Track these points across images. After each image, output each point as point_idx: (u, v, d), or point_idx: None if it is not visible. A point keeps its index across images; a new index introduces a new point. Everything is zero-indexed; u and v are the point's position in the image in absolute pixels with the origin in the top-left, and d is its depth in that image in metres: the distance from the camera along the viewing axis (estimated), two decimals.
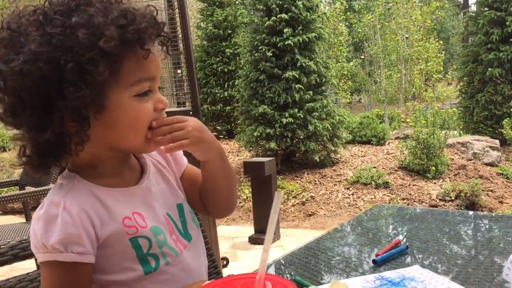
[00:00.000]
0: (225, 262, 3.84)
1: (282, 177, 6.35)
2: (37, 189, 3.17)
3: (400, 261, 1.18)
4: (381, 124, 8.03)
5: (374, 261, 1.16)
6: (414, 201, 5.58)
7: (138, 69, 0.83)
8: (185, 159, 1.08)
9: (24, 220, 3.71)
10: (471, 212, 1.69)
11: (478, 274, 1.09)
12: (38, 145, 0.81)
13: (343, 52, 12.97)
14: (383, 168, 6.35)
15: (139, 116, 0.85)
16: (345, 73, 12.86)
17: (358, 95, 16.89)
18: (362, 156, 7.00)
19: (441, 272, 1.09)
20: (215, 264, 1.59)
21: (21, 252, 1.11)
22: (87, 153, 0.86)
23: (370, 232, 1.45)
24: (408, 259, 1.19)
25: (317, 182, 6.19)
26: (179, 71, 3.98)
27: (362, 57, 14.39)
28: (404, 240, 1.35)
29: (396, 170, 6.32)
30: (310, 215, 5.47)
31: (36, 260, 2.65)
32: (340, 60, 12.64)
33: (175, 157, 1.06)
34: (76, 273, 0.83)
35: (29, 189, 3.35)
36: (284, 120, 6.28)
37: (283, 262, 1.25)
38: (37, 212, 0.85)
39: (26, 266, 1.36)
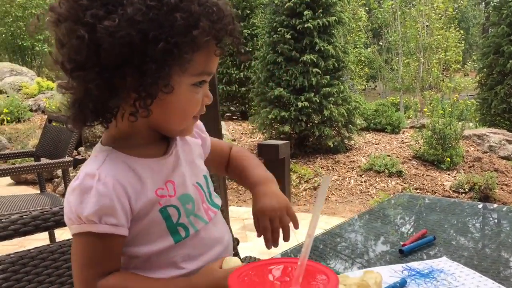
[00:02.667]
0: (235, 243, 3.85)
1: (294, 161, 6.32)
2: (53, 161, 3.17)
3: (427, 252, 1.15)
4: (396, 112, 7.93)
5: (400, 250, 1.13)
6: (427, 192, 5.53)
7: (206, 62, 0.85)
8: (209, 141, 1.10)
9: (38, 191, 3.74)
10: (495, 205, 1.65)
11: (509, 269, 1.06)
12: (93, 103, 0.79)
13: (361, 37, 12.79)
14: (397, 157, 6.29)
15: (190, 104, 0.87)
16: (362, 59, 12.69)
17: (373, 82, 16.69)
18: (376, 144, 6.94)
19: (470, 265, 1.06)
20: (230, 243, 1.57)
21: (43, 223, 1.10)
22: (128, 125, 0.86)
23: (394, 221, 1.42)
24: (436, 250, 1.16)
25: (330, 168, 6.15)
26: None
27: (380, 43, 14.18)
28: (431, 231, 1.32)
29: (410, 160, 6.26)
30: None
31: (49, 233, 2.66)
32: (358, 46, 12.46)
33: (203, 139, 1.07)
34: (108, 245, 0.83)
35: (44, 160, 3.35)
36: (300, 104, 6.22)
37: (299, 248, 1.23)
38: (71, 183, 0.84)
39: (39, 237, 1.36)
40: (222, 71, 8.91)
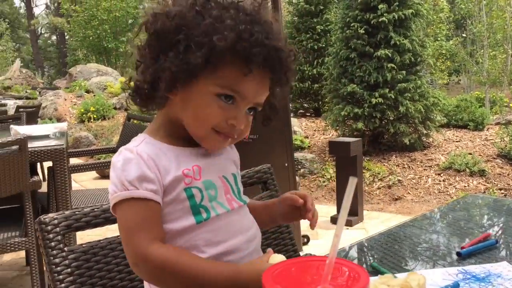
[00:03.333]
0: (305, 240, 3.86)
1: (368, 158, 6.19)
2: None
3: (487, 256, 1.10)
4: (480, 108, 7.50)
5: (458, 253, 1.10)
6: None
7: (234, 78, 0.89)
8: None
9: None
10: None
11: None
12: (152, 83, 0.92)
13: (443, 30, 12.19)
14: (480, 155, 5.96)
15: (207, 112, 0.91)
16: (443, 52, 12.10)
17: (457, 76, 15.87)
18: (456, 141, 6.61)
19: None
20: (293, 242, 1.60)
21: (112, 216, 1.19)
22: (165, 119, 0.99)
23: (459, 223, 1.37)
24: (497, 255, 1.11)
25: (406, 166, 5.96)
26: None
27: (464, 35, 13.45)
28: (495, 234, 1.26)
29: (494, 158, 5.91)
30: (396, 199, 5.30)
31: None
32: (439, 39, 11.90)
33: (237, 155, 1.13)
34: (150, 210, 0.90)
35: None
36: (374, 100, 6.08)
37: (364, 246, 1.23)
38: (114, 158, 0.94)
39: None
40: (294, 68, 8.88)
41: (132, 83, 0.96)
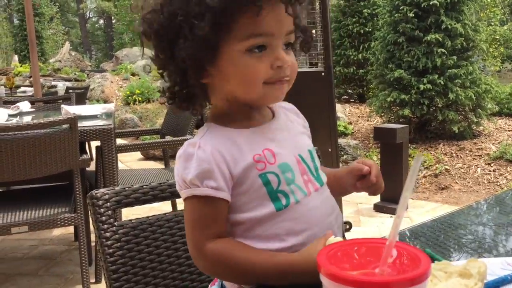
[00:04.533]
0: (347, 226, 3.81)
1: (414, 146, 6.03)
2: (176, 138, 3.42)
3: None
4: None
5: None
6: None
7: (251, 24, 0.82)
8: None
9: (163, 167, 4.05)
10: None
11: None
12: (172, 87, 0.91)
13: (497, 14, 11.64)
14: None
15: (249, 71, 0.86)
16: (497, 37, 11.57)
17: (510, 63, 15.16)
18: (509, 131, 6.33)
19: None
20: (344, 223, 1.57)
21: (160, 193, 1.20)
22: (220, 102, 0.94)
23: None
24: None
25: (454, 155, 5.77)
26: (313, 31, 3.91)
27: None
28: None
29: None
30: (442, 189, 5.15)
31: (171, 202, 2.89)
32: (493, 23, 11.38)
33: (302, 123, 1.08)
34: (212, 208, 0.88)
35: (168, 138, 3.63)
36: (422, 87, 5.89)
37: (415, 232, 1.18)
38: (178, 153, 0.92)
39: (163, 208, 1.47)
40: (339, 52, 8.75)
41: (167, 93, 0.94)
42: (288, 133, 0.98)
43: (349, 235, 3.73)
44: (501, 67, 13.51)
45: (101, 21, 37.77)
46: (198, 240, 0.88)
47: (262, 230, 0.91)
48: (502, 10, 12.49)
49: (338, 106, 7.65)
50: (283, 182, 0.91)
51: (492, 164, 5.46)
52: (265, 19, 0.82)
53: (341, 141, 6.01)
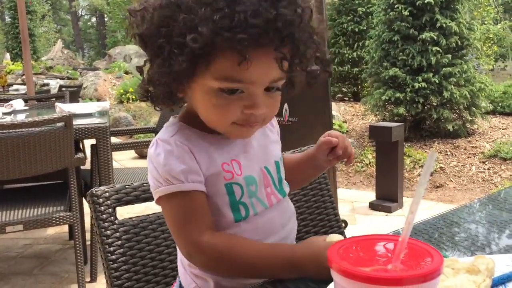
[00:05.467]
0: (343, 225, 3.80)
1: (409, 144, 6.05)
2: None
3: None
4: None
5: None
6: None
7: (230, 69, 0.77)
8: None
9: None
10: None
11: None
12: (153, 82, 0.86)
13: (490, 13, 11.70)
14: None
15: (218, 111, 0.83)
16: (491, 36, 11.63)
17: (503, 62, 15.25)
18: (503, 129, 6.37)
19: None
20: (338, 224, 1.57)
21: None
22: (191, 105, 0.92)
23: None
24: None
25: (448, 153, 5.79)
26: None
27: None
28: None
29: None
30: (437, 187, 5.17)
31: None
32: (486, 22, 11.43)
33: (277, 129, 1.08)
34: (198, 201, 0.87)
35: None
36: (416, 85, 5.91)
37: (418, 229, 1.18)
38: (152, 151, 0.90)
39: (158, 208, 1.45)
40: (334, 51, 8.75)
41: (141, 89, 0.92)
42: (258, 143, 0.98)
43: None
44: (494, 65, 13.59)
45: (94, 19, 37.57)
46: (192, 236, 0.86)
47: None
48: (496, 9, 12.56)
49: (333, 105, 7.65)
50: (245, 195, 0.91)
51: (486, 162, 5.49)
52: (247, 68, 0.76)
53: None
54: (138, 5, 0.85)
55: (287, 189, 1.04)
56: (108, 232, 1.05)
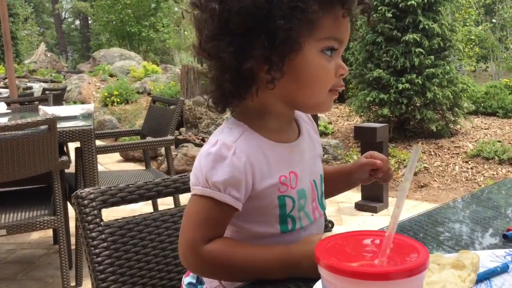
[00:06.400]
0: (330, 225, 3.83)
1: (393, 145, 6.10)
2: (156, 139, 3.38)
3: None
4: (510, 95, 7.30)
5: (504, 235, 1.06)
6: None
7: (333, 26, 0.83)
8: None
9: (144, 168, 4.01)
10: None
11: None
12: (228, 75, 0.84)
13: (472, 14, 11.87)
14: (509, 143, 5.81)
15: (322, 72, 0.85)
16: (472, 38, 11.80)
17: (484, 63, 15.48)
18: (485, 129, 6.46)
19: None
20: (326, 224, 1.57)
21: (146, 192, 1.18)
22: (259, 102, 0.89)
23: (500, 206, 1.32)
24: None
25: (432, 153, 5.85)
26: None
27: (494, 20, 13.07)
28: None
29: None
30: (422, 187, 5.22)
31: (153, 203, 2.84)
32: (468, 24, 11.60)
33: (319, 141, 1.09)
34: (223, 213, 0.86)
35: (149, 139, 3.59)
36: (400, 86, 5.96)
37: (403, 227, 1.19)
38: (207, 148, 0.87)
39: (144, 210, 1.44)
40: None
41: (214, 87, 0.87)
42: (309, 154, 0.98)
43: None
44: (476, 66, 13.78)
45: (77, 22, 37.23)
46: (196, 239, 0.85)
47: (256, 242, 0.90)
48: (477, 11, 12.74)
49: None
50: (296, 208, 0.91)
51: (469, 162, 5.56)
52: (342, 25, 0.84)
53: (322, 140, 6.04)
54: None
55: (325, 204, 1.04)
56: (94, 234, 1.04)
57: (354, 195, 4.79)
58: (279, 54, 0.81)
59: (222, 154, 0.84)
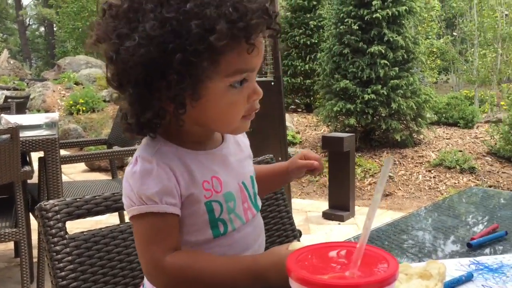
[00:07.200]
0: (298, 235, 3.85)
1: (360, 154, 6.20)
2: (123, 148, 3.32)
3: (498, 247, 1.09)
4: (470, 106, 7.56)
5: (468, 244, 1.09)
6: (502, 189, 5.24)
7: (239, 60, 0.82)
8: None
9: (110, 178, 3.93)
10: None
11: None
12: (137, 116, 0.85)
13: (434, 28, 12.26)
14: (470, 153, 6.00)
15: (230, 107, 0.86)
16: (434, 50, 12.17)
17: (445, 75, 15.98)
18: (447, 139, 6.65)
19: None
20: (294, 234, 1.58)
21: (113, 204, 1.16)
22: (175, 123, 0.88)
23: (464, 215, 1.35)
24: (507, 246, 1.10)
25: (397, 162, 5.98)
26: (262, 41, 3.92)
27: (454, 34, 13.53)
28: (504, 225, 1.25)
29: (484, 156, 5.96)
30: (387, 195, 5.32)
31: (119, 214, 2.77)
32: (430, 37, 11.96)
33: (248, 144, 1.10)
34: (169, 222, 0.87)
35: (116, 148, 3.52)
36: (366, 96, 6.08)
37: (370, 237, 1.21)
38: (130, 168, 0.88)
39: (110, 221, 1.41)
40: (287, 63, 8.88)
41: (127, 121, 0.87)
42: (235, 158, 0.99)
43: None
44: (437, 78, 14.21)
45: (42, 29, 36.41)
46: (155, 256, 0.85)
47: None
48: (439, 25, 13.16)
49: (286, 116, 7.73)
50: (225, 211, 0.92)
51: (432, 171, 5.71)
52: (249, 56, 0.82)
53: (290, 150, 6.08)
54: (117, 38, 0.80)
55: (260, 203, 1.05)
56: (58, 248, 1.01)
57: (321, 204, 4.84)
58: (180, 97, 0.81)
59: (147, 168, 0.85)
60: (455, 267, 0.96)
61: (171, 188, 0.86)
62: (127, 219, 1.24)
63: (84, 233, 1.09)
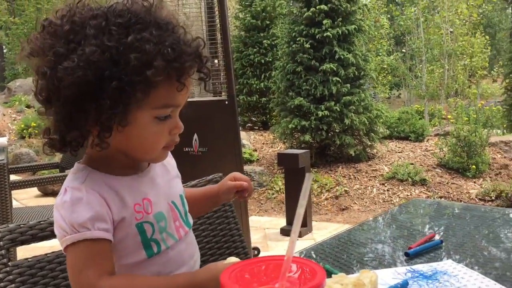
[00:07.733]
0: (256, 252, 3.86)
1: (316, 170, 6.31)
2: None
3: (434, 255, 1.15)
4: (420, 120, 7.84)
5: (406, 253, 1.14)
6: (452, 200, 5.45)
7: (168, 96, 0.87)
8: None
9: None
10: (511, 210, 1.63)
11: None
12: (62, 134, 0.86)
13: (384, 45, 12.70)
14: (421, 165, 6.22)
15: (153, 138, 0.90)
16: (385, 67, 12.60)
17: (397, 90, 16.54)
18: (399, 152, 6.87)
19: (475, 268, 1.06)
20: (245, 251, 1.60)
21: None
22: (102, 151, 0.91)
23: (405, 226, 1.42)
24: (442, 254, 1.16)
25: (352, 177, 6.12)
26: (216, 61, 3.98)
27: (403, 50, 14.07)
28: (440, 235, 1.32)
29: (434, 168, 6.18)
30: (343, 210, 5.43)
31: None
32: (380, 54, 12.38)
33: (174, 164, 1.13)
34: (102, 247, 0.88)
35: (68, 172, 3.45)
36: (320, 113, 6.22)
37: (315, 250, 1.25)
38: (60, 198, 0.89)
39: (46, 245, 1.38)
40: (242, 81, 8.98)
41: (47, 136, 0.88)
42: (163, 179, 1.03)
43: None
44: (389, 94, 14.68)
45: None
46: (89, 281, 0.85)
47: (126, 272, 0.93)
48: (388, 42, 13.67)
49: (243, 134, 7.80)
50: (156, 231, 0.95)
51: (385, 184, 5.87)
52: (179, 94, 0.88)
53: (247, 168, 6.13)
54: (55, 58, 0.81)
55: (191, 221, 1.08)
56: (0, 276, 1.00)
57: (279, 221, 4.88)
58: (109, 122, 0.83)
59: (77, 196, 0.87)
60: (393, 276, 1.01)
61: (103, 213, 0.87)
62: None
63: (29, 259, 1.07)
